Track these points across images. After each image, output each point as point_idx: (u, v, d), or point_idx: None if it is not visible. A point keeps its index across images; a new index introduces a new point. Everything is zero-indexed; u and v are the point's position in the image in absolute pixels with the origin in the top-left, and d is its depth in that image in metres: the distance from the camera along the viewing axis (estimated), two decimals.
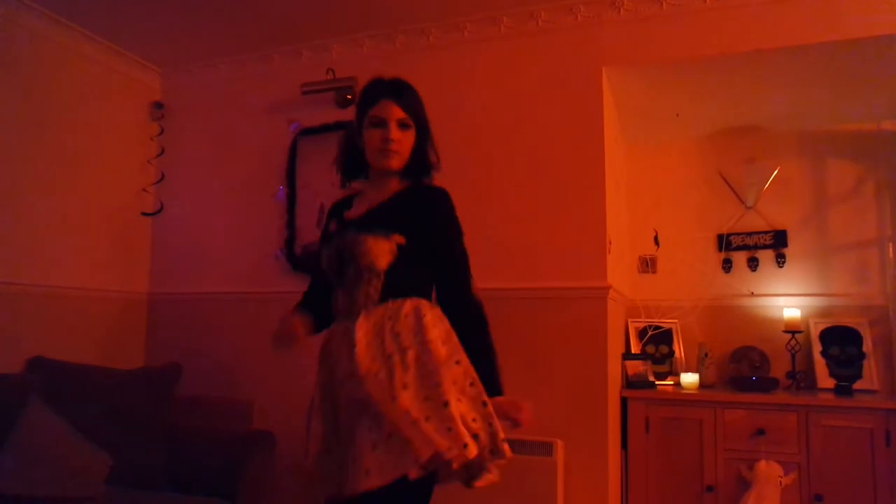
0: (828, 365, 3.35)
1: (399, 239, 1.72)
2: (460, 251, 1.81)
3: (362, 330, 1.68)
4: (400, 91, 1.82)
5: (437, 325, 1.71)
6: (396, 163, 1.81)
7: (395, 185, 1.88)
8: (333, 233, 1.88)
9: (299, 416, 2.71)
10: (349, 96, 3.33)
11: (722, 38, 2.83)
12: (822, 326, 3.43)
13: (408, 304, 1.72)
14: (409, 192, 1.86)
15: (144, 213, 3.72)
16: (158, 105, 3.78)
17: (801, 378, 3.32)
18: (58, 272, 3.19)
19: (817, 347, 3.39)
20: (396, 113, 1.78)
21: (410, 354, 1.64)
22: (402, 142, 1.80)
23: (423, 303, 1.75)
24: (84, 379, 2.87)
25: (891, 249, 3.40)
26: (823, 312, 3.47)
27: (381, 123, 1.78)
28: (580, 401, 2.82)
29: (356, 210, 1.89)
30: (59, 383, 2.76)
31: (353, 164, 1.92)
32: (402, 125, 1.79)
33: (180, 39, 3.45)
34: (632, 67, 3.00)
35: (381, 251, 1.69)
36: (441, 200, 1.83)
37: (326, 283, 1.88)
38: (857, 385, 3.20)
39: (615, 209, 3.21)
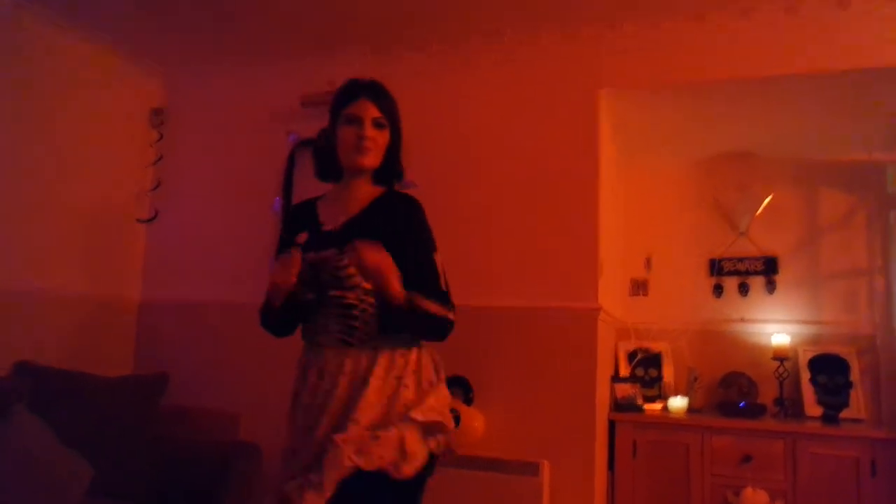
0: (815, 392, 3.36)
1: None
2: (436, 262, 1.76)
3: (376, 383, 1.65)
4: (376, 91, 1.79)
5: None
6: (370, 160, 1.76)
7: (367, 188, 1.82)
8: (304, 245, 1.76)
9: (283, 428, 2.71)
10: None
11: (718, 65, 2.87)
12: (810, 354, 3.44)
13: (414, 356, 1.72)
14: (385, 199, 1.81)
15: (139, 220, 3.72)
16: (158, 111, 3.79)
17: (789, 405, 3.33)
18: (48, 276, 3.17)
19: (805, 375, 3.40)
20: (372, 111, 1.75)
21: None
22: (377, 140, 1.76)
23: (424, 353, 1.75)
24: (70, 385, 2.83)
25: (879, 280, 3.43)
26: (812, 340, 3.49)
27: (356, 121, 1.75)
28: (568, 422, 2.82)
29: (328, 218, 1.80)
30: (44, 389, 2.73)
31: (327, 165, 1.86)
32: (378, 124, 1.76)
33: (183, 46, 3.47)
34: (628, 90, 3.03)
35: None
36: (418, 209, 1.79)
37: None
38: (844, 414, 3.21)
39: (608, 231, 3.23)
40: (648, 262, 3.82)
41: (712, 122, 3.39)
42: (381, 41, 3.31)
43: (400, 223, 1.75)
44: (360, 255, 1.57)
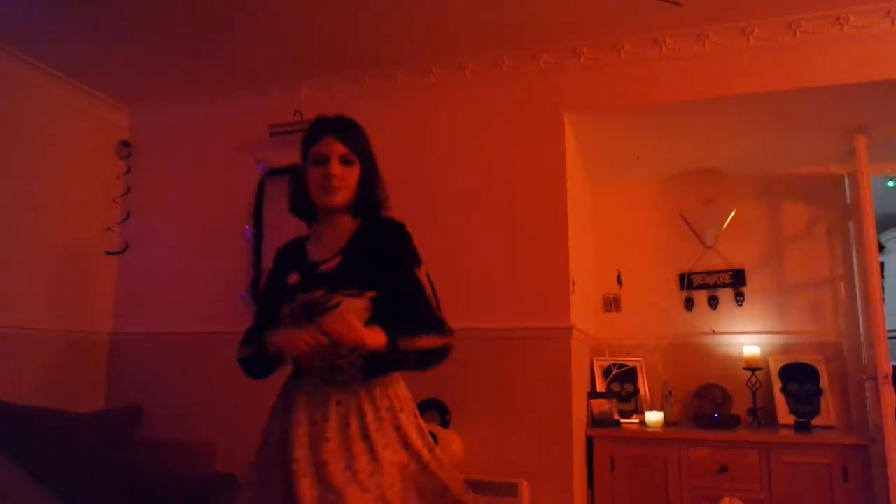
0: (787, 401, 3.42)
1: (372, 293, 1.66)
2: (426, 286, 1.74)
3: (373, 426, 1.62)
4: (342, 127, 1.78)
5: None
6: (339, 199, 1.75)
7: (347, 221, 1.81)
8: (296, 285, 1.74)
9: None
10: None
11: (677, 86, 2.96)
12: (780, 363, 3.51)
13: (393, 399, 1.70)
14: (366, 228, 1.80)
15: (109, 252, 3.68)
16: (126, 144, 3.78)
17: (762, 415, 3.38)
18: (15, 311, 3.12)
19: (777, 384, 3.46)
20: (338, 149, 1.73)
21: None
22: (345, 177, 1.74)
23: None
24: (41, 422, 2.79)
25: (842, 288, 3.52)
26: (782, 350, 3.56)
27: (323, 160, 1.73)
28: (545, 440, 2.84)
29: (317, 256, 1.79)
30: (14, 427, 2.68)
31: (303, 205, 1.85)
32: (345, 161, 1.74)
33: (148, 79, 3.47)
34: (592, 112, 3.10)
35: (358, 314, 1.61)
36: (400, 232, 1.77)
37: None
38: (816, 421, 3.27)
39: (579, 250, 3.28)
40: (620, 279, 3.88)
41: (675, 140, 3.48)
42: (346, 71, 3.36)
43: (385, 251, 1.73)
44: (323, 328, 1.53)
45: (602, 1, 2.72)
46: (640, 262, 3.88)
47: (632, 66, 3.02)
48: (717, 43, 2.90)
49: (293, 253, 1.86)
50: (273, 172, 3.46)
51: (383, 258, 1.71)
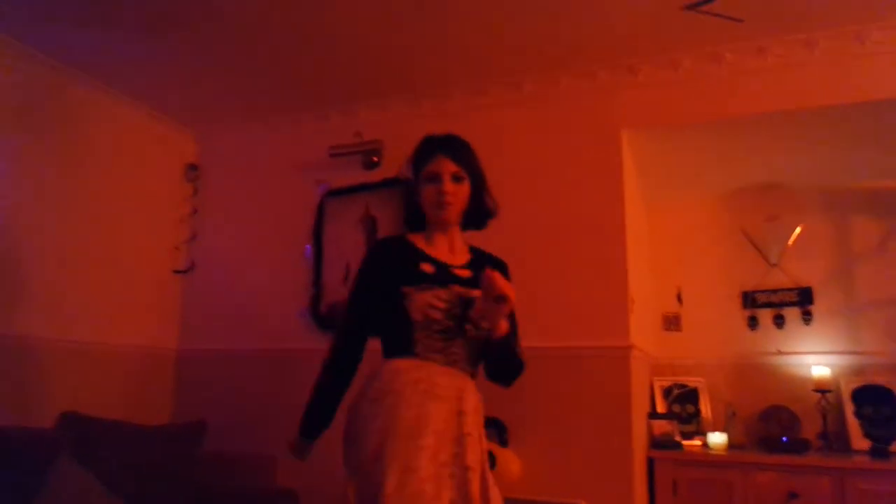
0: (861, 425, 3.26)
1: None
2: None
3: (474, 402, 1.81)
4: (452, 145, 1.90)
5: None
6: (452, 213, 1.88)
7: (458, 233, 1.96)
8: (433, 275, 1.83)
9: (322, 473, 2.72)
10: (375, 158, 3.44)
11: (737, 102, 2.90)
12: (853, 385, 3.36)
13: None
14: (482, 256, 1.99)
15: (176, 271, 3.83)
16: (193, 167, 3.94)
17: (834, 439, 3.23)
18: (90, 327, 3.28)
19: (850, 407, 3.31)
20: (449, 167, 1.85)
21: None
22: (457, 194, 1.86)
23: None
24: (112, 434, 2.91)
25: None
26: (854, 371, 3.40)
27: (436, 178, 1.85)
28: (605, 461, 2.79)
29: (441, 256, 1.89)
30: (88, 439, 2.80)
31: (415, 217, 1.97)
32: (456, 178, 1.86)
33: (214, 103, 3.63)
34: (650, 130, 3.07)
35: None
36: (507, 270, 1.99)
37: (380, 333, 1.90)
38: (894, 447, 3.11)
39: (637, 267, 3.23)
40: (680, 297, 3.79)
41: (736, 156, 3.40)
42: (404, 93, 3.43)
43: None
44: (491, 278, 1.65)
45: (659, 18, 2.70)
46: (701, 281, 3.79)
47: (690, 83, 2.98)
48: (780, 55, 2.84)
49: (402, 249, 1.91)
50: (332, 193, 3.54)
51: None
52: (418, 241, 1.92)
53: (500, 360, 1.85)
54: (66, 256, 3.20)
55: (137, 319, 3.58)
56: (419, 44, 2.95)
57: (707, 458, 3.14)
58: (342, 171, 3.51)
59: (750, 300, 3.67)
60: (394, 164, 3.42)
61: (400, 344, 1.80)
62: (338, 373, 1.90)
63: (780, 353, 3.55)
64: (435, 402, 1.71)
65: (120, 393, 3.40)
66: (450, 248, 1.92)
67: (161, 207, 3.79)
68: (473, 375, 1.86)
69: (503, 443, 2.90)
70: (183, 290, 3.87)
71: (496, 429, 2.92)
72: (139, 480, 2.76)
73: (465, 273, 1.87)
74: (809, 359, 3.46)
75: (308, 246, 3.55)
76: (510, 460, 2.80)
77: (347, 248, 3.42)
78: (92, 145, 3.38)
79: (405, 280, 1.80)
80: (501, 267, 1.98)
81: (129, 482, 2.71)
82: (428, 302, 1.78)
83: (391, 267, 1.86)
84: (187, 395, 3.69)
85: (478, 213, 1.97)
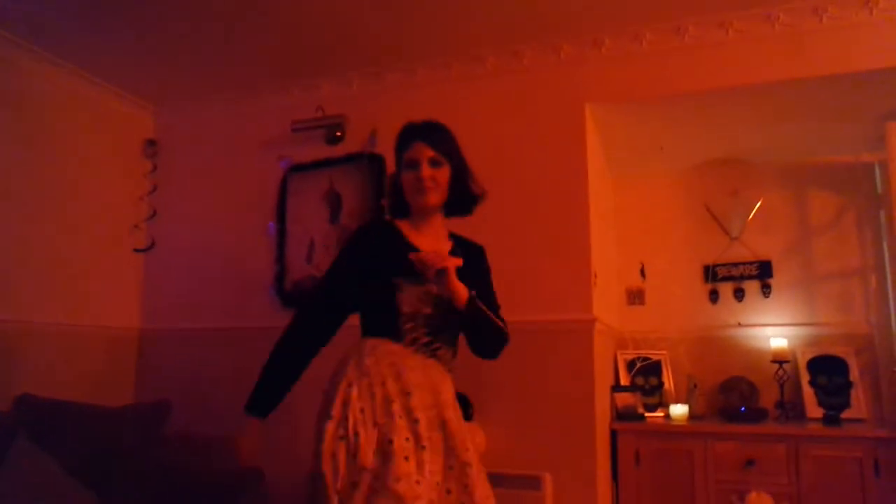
0: (816, 394, 3.36)
1: (474, 292, 1.86)
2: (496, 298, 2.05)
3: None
4: (429, 132, 1.91)
5: None
6: (433, 199, 1.89)
7: (441, 220, 1.98)
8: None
9: (286, 452, 2.71)
10: (338, 133, 3.39)
11: (700, 76, 2.91)
12: (809, 356, 3.45)
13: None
14: (461, 242, 2.02)
15: (136, 250, 3.75)
16: (151, 143, 3.84)
17: (790, 408, 3.33)
18: (48, 308, 3.20)
19: (805, 377, 3.40)
20: (426, 153, 1.87)
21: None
22: (436, 178, 1.88)
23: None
24: (72, 417, 2.85)
25: (873, 279, 3.45)
26: (810, 342, 3.50)
27: (414, 164, 1.87)
28: (568, 434, 2.82)
29: (426, 245, 1.88)
30: (46, 421, 2.74)
31: (398, 204, 1.99)
32: (433, 163, 1.87)
33: (173, 78, 3.52)
34: (614, 103, 3.07)
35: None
36: (485, 255, 2.09)
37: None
38: (846, 414, 3.21)
39: (601, 242, 3.26)
40: (643, 272, 3.84)
41: (699, 131, 3.43)
42: (367, 67, 3.36)
43: (476, 264, 2.01)
44: (421, 261, 1.72)
45: None
46: (664, 255, 3.84)
47: (654, 56, 2.98)
48: (742, 30, 2.85)
49: (392, 236, 1.92)
50: (295, 168, 3.48)
51: (476, 270, 1.96)
52: (405, 228, 1.94)
53: (475, 329, 1.88)
54: (20, 235, 3.10)
55: (97, 299, 3.50)
56: (381, 17, 2.90)
57: (668, 429, 3.21)
58: (305, 146, 3.45)
59: (711, 274, 3.73)
60: (357, 138, 3.38)
61: (384, 332, 1.84)
62: (299, 349, 1.89)
63: (740, 325, 3.63)
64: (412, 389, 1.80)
65: (81, 375, 3.32)
66: (434, 236, 1.95)
67: (119, 185, 3.69)
68: (452, 369, 1.94)
69: (468, 417, 2.91)
70: (144, 268, 3.79)
71: (461, 403, 2.92)
72: (100, 462, 2.72)
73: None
74: (768, 331, 3.54)
75: (271, 223, 3.50)
76: (475, 433, 2.82)
77: (311, 225, 3.38)
78: (45, 122, 3.26)
79: (397, 270, 1.81)
80: (479, 252, 2.05)
81: (89, 464, 2.67)
82: (419, 296, 1.82)
83: (380, 254, 1.88)
84: (150, 375, 3.63)
85: (462, 199, 1.98)
